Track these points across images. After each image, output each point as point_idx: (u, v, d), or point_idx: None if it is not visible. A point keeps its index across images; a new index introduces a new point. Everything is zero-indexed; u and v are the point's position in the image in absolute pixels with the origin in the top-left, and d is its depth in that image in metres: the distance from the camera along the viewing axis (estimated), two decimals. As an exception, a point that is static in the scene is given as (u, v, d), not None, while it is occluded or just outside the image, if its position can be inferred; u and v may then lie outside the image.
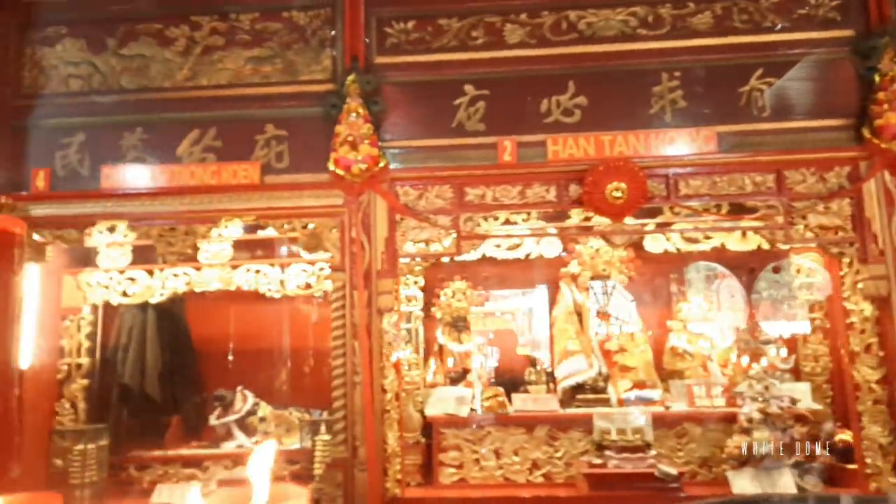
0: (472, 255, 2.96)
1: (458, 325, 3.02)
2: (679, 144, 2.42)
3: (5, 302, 1.13)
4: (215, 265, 2.91)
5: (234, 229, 2.66)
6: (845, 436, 2.58)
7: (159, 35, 2.62)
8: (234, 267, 2.92)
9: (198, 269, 2.93)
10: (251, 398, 3.00)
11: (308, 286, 2.92)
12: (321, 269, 2.90)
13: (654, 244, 2.98)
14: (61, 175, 2.56)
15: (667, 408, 2.78)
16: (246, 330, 3.40)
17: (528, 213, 2.76)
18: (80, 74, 2.63)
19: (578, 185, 2.43)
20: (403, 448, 2.59)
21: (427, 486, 2.77)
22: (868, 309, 2.37)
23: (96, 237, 2.65)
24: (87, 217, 2.53)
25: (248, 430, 2.94)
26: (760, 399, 2.58)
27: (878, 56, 2.36)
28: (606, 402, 2.80)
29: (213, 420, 2.95)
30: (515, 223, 2.76)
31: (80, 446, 2.57)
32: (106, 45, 2.63)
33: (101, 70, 2.62)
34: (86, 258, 2.90)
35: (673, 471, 2.45)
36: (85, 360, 2.89)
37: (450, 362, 3.08)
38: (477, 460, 2.77)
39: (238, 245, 2.81)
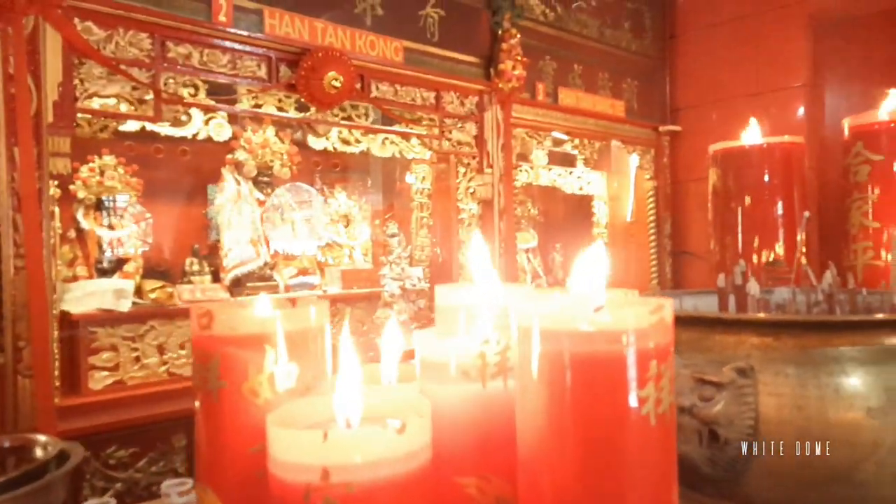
0: (131, 127, 2.52)
1: (106, 207, 2.52)
2: (376, 50, 2.65)
3: None
4: None
5: None
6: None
7: None
8: None
9: None
10: None
11: None
12: None
13: (317, 142, 3.14)
14: None
15: (324, 291, 3.07)
16: None
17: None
18: None
19: (289, 69, 2.39)
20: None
21: (74, 395, 2.31)
22: (476, 208, 3.18)
23: None
24: None
25: None
26: (398, 279, 3.15)
27: (501, 14, 3.11)
28: (275, 289, 2.88)
29: None
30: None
31: None
32: None
33: None
34: None
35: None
36: None
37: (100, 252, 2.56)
38: (137, 358, 2.47)
39: None
